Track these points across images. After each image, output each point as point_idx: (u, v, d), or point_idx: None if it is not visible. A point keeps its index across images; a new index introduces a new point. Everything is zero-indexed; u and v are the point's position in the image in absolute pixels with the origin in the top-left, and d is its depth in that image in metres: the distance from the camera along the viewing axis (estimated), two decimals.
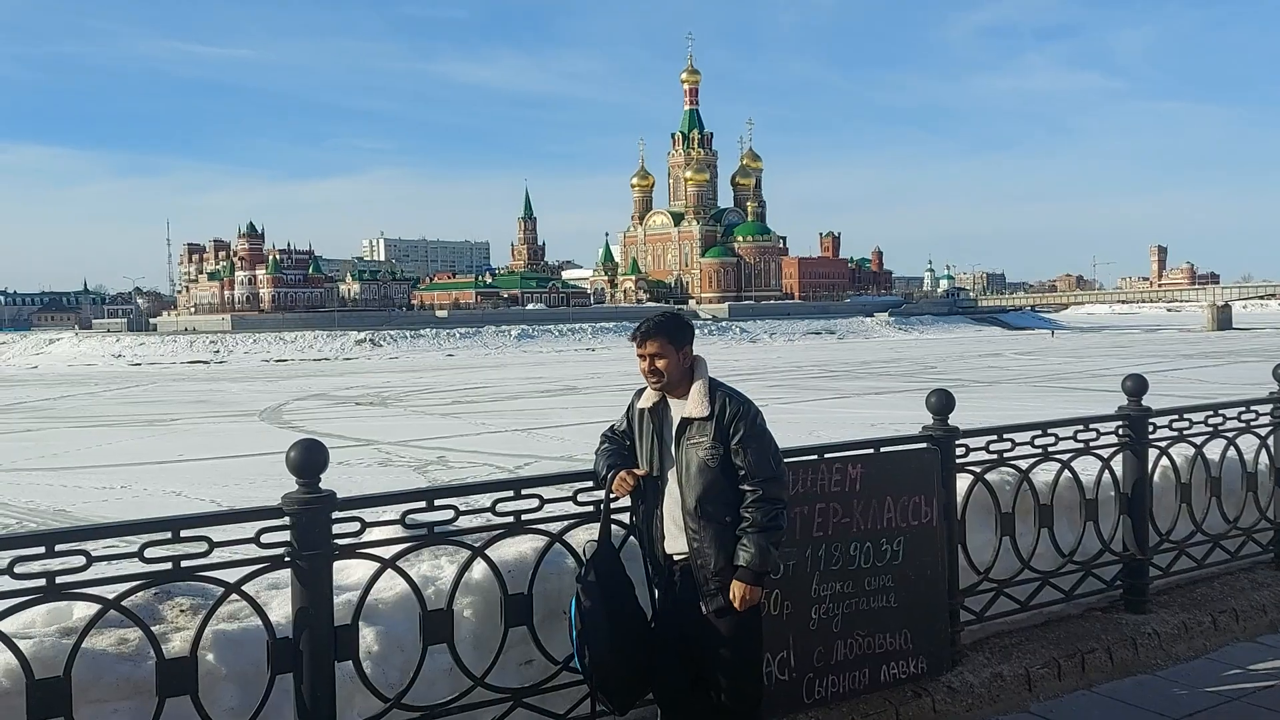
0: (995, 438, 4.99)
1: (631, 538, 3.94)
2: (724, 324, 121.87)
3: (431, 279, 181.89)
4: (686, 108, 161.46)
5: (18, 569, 2.91)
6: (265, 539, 3.28)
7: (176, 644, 3.35)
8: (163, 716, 3.20)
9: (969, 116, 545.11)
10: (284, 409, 39.71)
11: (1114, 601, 5.55)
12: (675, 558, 3.68)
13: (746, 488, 3.56)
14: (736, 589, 3.53)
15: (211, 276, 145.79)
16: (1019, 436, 5.11)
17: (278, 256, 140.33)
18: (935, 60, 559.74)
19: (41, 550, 2.96)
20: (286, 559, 3.32)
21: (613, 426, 3.95)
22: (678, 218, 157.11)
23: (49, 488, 20.32)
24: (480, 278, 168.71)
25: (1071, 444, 5.28)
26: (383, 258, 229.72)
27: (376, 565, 3.62)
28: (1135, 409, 5.46)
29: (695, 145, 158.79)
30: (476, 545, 3.71)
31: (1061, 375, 49.99)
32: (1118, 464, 5.45)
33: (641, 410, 3.78)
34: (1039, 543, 5.15)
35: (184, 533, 3.21)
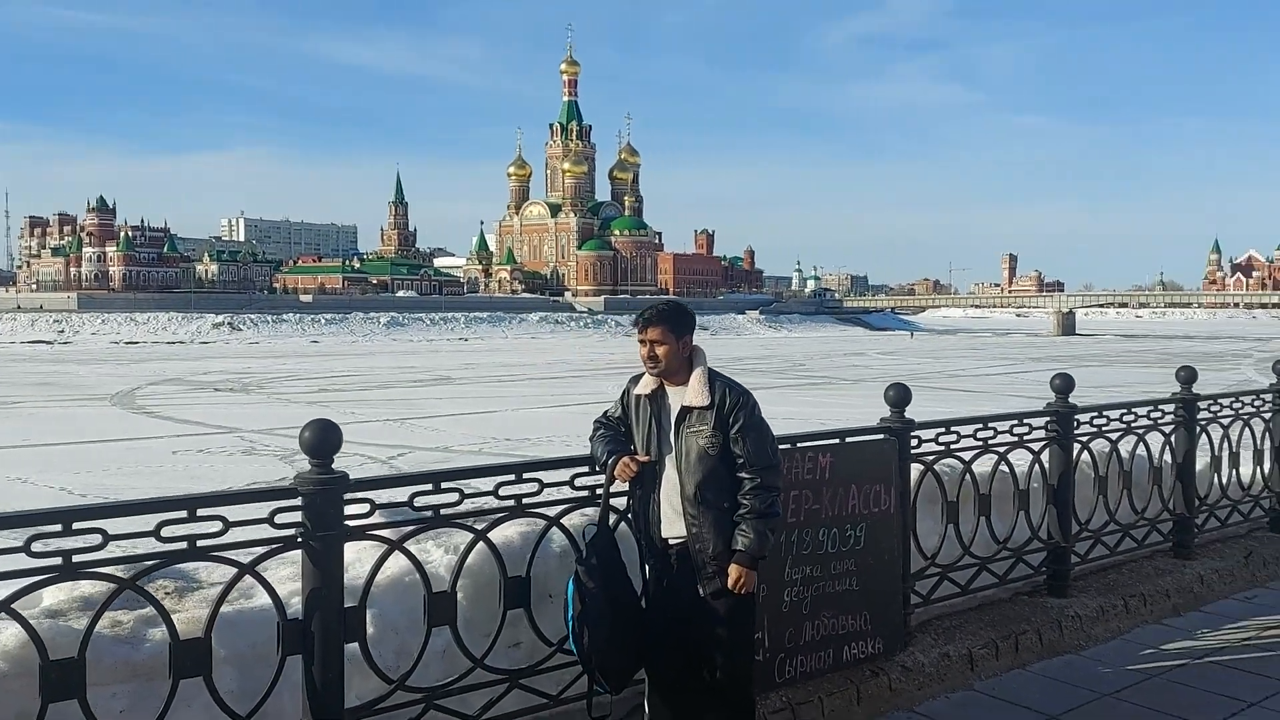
0: (944, 430, 5.26)
1: (623, 522, 4.01)
2: (599, 317, 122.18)
3: (296, 262, 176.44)
4: (566, 99, 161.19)
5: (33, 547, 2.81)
6: (279, 519, 3.23)
7: (175, 626, 3.27)
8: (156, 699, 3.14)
9: (842, 123, 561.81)
10: (137, 393, 37.93)
11: (1037, 586, 5.91)
12: (671, 542, 3.77)
13: (745, 475, 3.67)
14: (734, 572, 3.65)
15: (56, 252, 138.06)
16: (963, 429, 5.39)
17: (130, 233, 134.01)
18: (813, 67, 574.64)
19: (59, 528, 2.86)
20: (299, 539, 3.28)
21: (606, 413, 4.02)
22: (555, 209, 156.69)
23: None
24: (348, 262, 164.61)
25: (1008, 438, 5.60)
26: (243, 238, 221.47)
27: (373, 547, 3.61)
28: (1063, 406, 5.83)
29: (574, 137, 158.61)
30: (479, 528, 3.72)
31: (922, 375, 51.90)
32: (1045, 457, 5.80)
33: (639, 396, 3.86)
34: (978, 530, 5.45)
35: (172, 514, 3.14)
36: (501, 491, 3.78)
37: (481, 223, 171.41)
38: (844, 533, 4.68)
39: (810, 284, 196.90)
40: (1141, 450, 6.45)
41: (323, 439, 3.31)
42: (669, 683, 3.81)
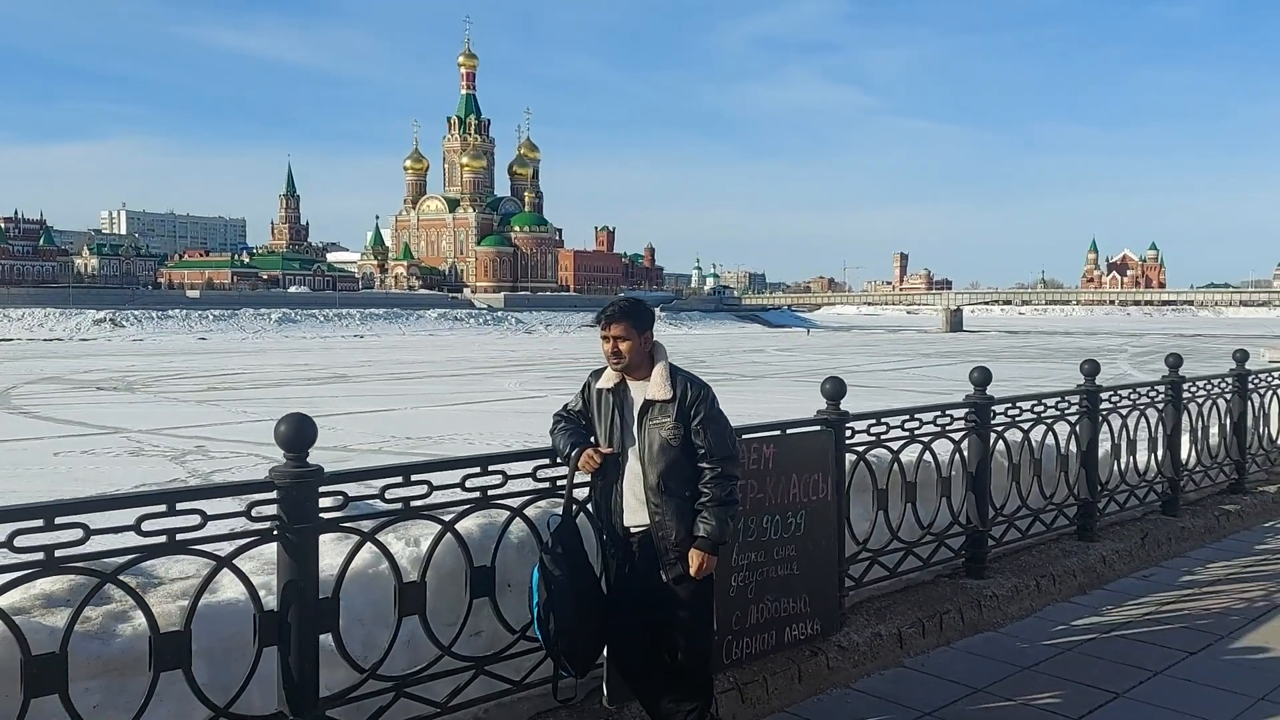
0: (874, 421, 5.52)
1: (582, 512, 4.13)
2: (499, 314, 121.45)
3: (181, 256, 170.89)
4: (464, 92, 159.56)
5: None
6: (255, 512, 3.27)
7: (141, 621, 3.27)
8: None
9: (740, 123, 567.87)
10: (13, 393, 36.35)
11: (957, 569, 6.23)
12: (633, 530, 3.91)
13: (705, 465, 3.84)
14: (695, 557, 3.81)
15: None
16: (892, 420, 5.66)
17: (2, 226, 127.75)
18: (710, 67, 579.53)
19: (40, 523, 2.85)
20: (275, 532, 3.31)
21: (566, 406, 4.13)
22: (453, 204, 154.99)
23: None
24: (237, 256, 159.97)
25: (931, 428, 5.90)
26: (124, 231, 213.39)
27: (335, 539, 3.67)
28: (981, 397, 6.16)
29: (472, 131, 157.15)
30: (446, 519, 3.81)
31: (820, 372, 52.81)
32: (965, 446, 6.12)
33: (600, 390, 3.98)
34: (905, 516, 5.73)
35: (153, 507, 3.15)
36: (468, 484, 3.86)
37: (377, 217, 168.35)
38: (785, 520, 4.88)
39: (709, 281, 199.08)
40: (1050, 440, 6.84)
41: (298, 433, 3.35)
42: (630, 665, 3.95)
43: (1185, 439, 8.23)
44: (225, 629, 3.47)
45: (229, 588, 3.55)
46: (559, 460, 4.07)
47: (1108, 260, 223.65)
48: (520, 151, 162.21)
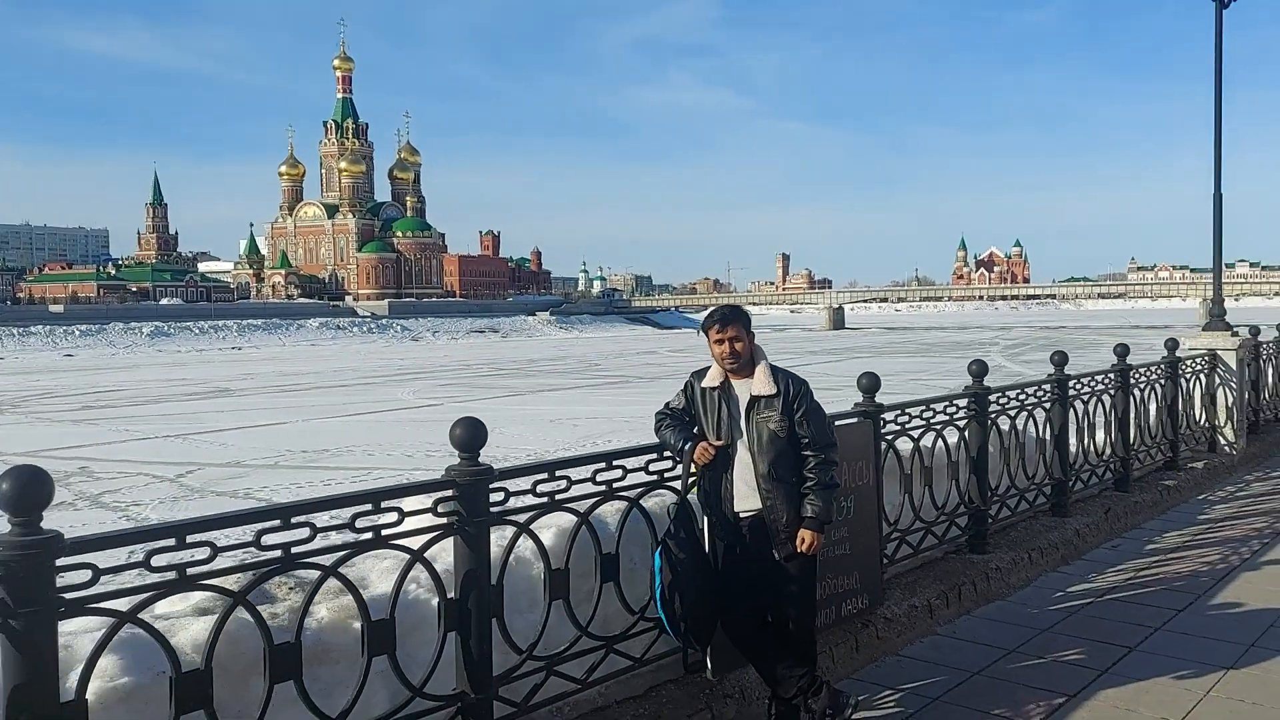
0: (900, 412, 6.04)
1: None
2: (384, 322, 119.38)
3: (42, 269, 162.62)
4: (340, 96, 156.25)
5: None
6: (441, 508, 3.55)
7: (324, 613, 3.50)
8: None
9: (622, 125, 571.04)
10: None
11: (960, 546, 6.80)
12: (743, 514, 4.30)
13: (809, 453, 4.26)
14: (806, 537, 4.23)
15: None
16: (913, 410, 6.20)
17: None
18: (590, 69, 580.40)
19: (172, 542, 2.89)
20: (456, 526, 3.60)
21: (668, 404, 4.50)
22: (332, 210, 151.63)
23: None
24: (102, 268, 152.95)
25: (942, 417, 6.46)
26: None
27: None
28: (980, 388, 6.75)
29: (350, 135, 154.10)
30: (581, 511, 4.14)
31: None
32: (968, 433, 6.70)
33: (706, 389, 4.37)
34: (924, 499, 6.27)
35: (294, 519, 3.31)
36: (598, 478, 4.20)
37: (251, 225, 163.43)
38: (840, 505, 5.34)
39: (597, 285, 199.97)
40: (1031, 425, 7.51)
41: (473, 435, 3.64)
42: (747, 637, 4.34)
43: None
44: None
45: (378, 582, 3.80)
46: (671, 454, 4.44)
47: (976, 257, 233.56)
48: (401, 156, 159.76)
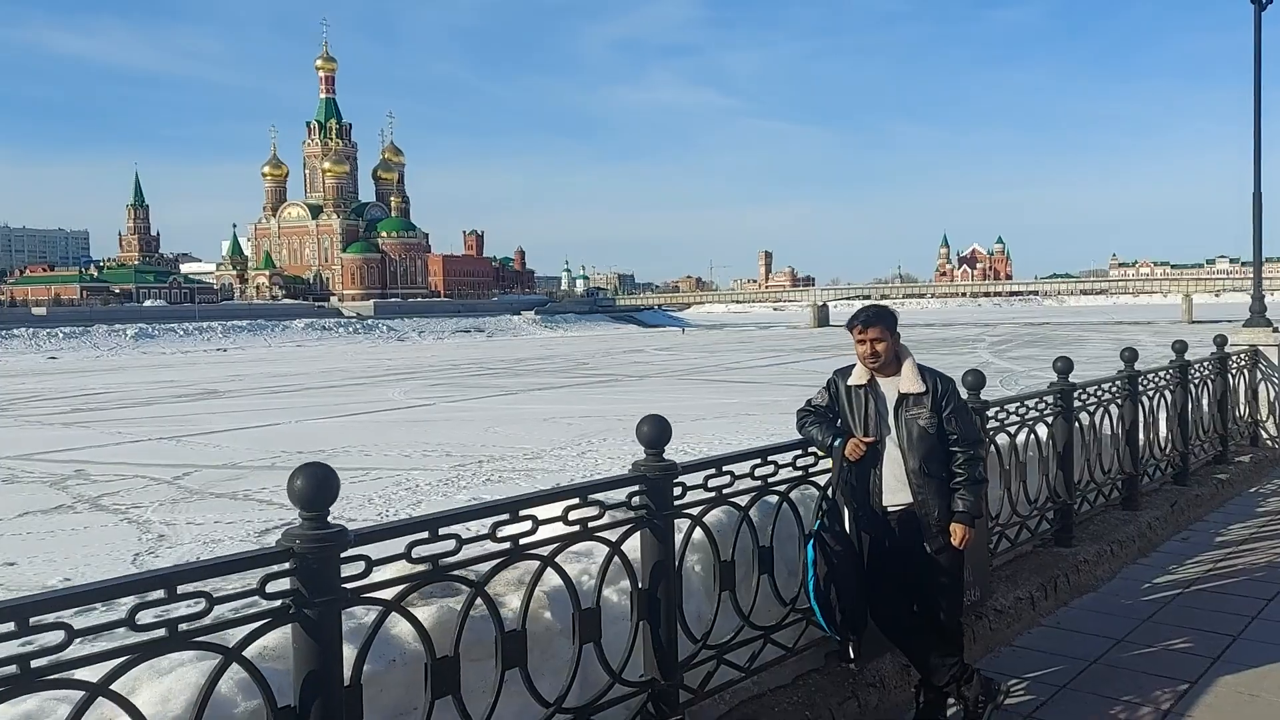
0: (999, 408, 6.17)
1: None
2: (370, 322, 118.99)
3: (23, 271, 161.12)
4: (323, 96, 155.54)
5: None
6: (635, 502, 3.66)
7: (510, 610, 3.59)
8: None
9: (605, 125, 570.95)
10: None
11: (1046, 539, 6.93)
12: (891, 509, 4.41)
13: (957, 450, 4.37)
14: (959, 530, 4.34)
15: None
16: (1010, 406, 6.33)
17: None
18: (573, 69, 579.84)
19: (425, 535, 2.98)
20: (644, 520, 3.70)
21: (810, 402, 4.61)
22: (316, 210, 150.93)
23: None
24: (84, 270, 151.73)
25: (1034, 413, 6.59)
26: None
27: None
28: (1065, 384, 6.90)
29: (333, 135, 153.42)
30: (742, 505, 4.25)
31: (702, 369, 54.45)
32: (1055, 428, 6.84)
33: (851, 387, 4.48)
34: (1019, 493, 6.40)
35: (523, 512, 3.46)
36: (757, 473, 4.31)
37: (234, 226, 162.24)
38: None
39: (580, 284, 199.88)
40: (1106, 422, 7.66)
41: (660, 432, 3.76)
42: (899, 627, 4.46)
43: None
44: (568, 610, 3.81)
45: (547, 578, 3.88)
46: (819, 451, 4.54)
47: (958, 254, 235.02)
48: (384, 156, 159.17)
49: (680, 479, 3.89)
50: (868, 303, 4.80)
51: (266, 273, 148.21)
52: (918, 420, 4.35)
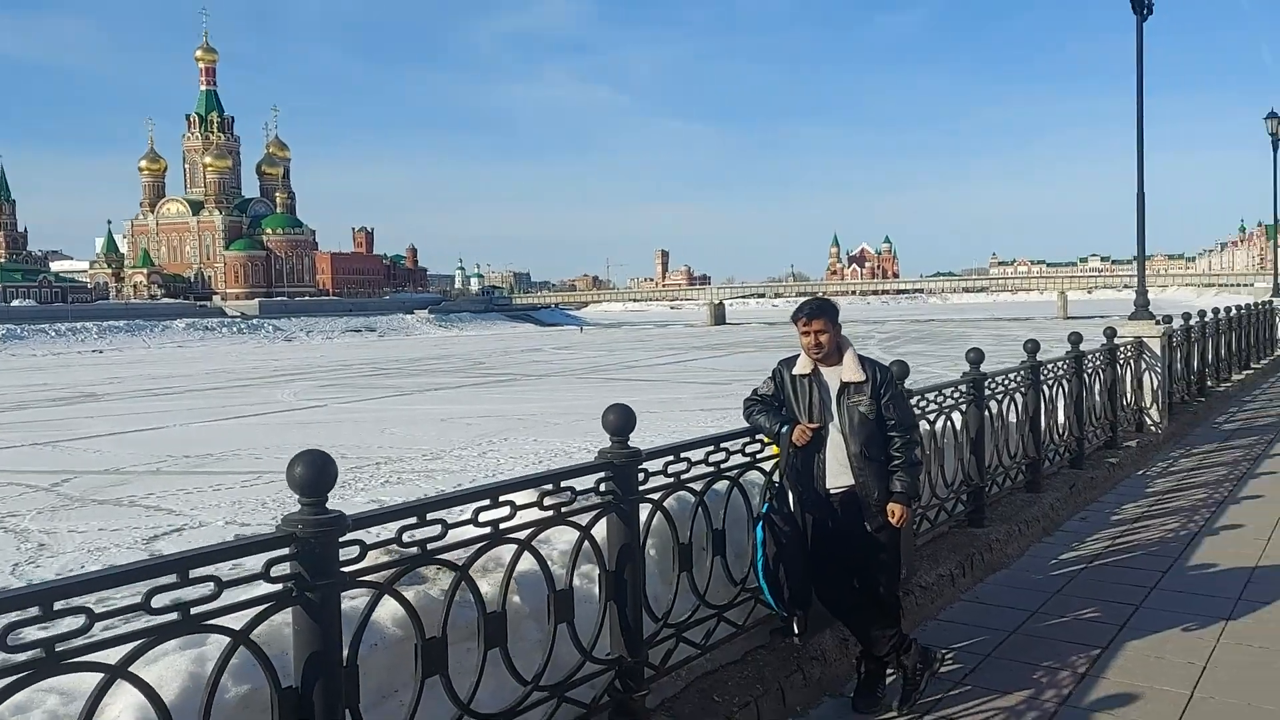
0: (919, 397, 6.48)
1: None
2: (255, 322, 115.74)
3: None
4: (204, 88, 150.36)
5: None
6: (603, 487, 3.78)
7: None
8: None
9: (498, 121, 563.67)
10: None
11: (960, 521, 7.29)
12: (834, 491, 4.63)
13: (895, 434, 4.62)
14: (897, 510, 4.58)
15: None
16: (930, 395, 6.66)
17: None
18: (465, 64, 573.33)
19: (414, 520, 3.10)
20: (612, 504, 3.84)
21: (756, 391, 4.80)
22: (197, 206, 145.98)
23: None
24: None
25: (949, 401, 6.93)
26: None
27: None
28: (977, 374, 7.27)
29: (215, 129, 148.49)
30: (698, 489, 4.41)
31: (601, 368, 54.76)
32: (969, 414, 7.21)
33: (796, 376, 4.69)
34: (938, 477, 6.73)
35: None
36: (710, 459, 4.48)
37: (109, 222, 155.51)
38: None
39: (475, 282, 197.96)
40: (1012, 409, 8.09)
41: (626, 420, 3.89)
42: (842, 603, 4.69)
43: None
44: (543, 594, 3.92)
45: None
46: (766, 437, 4.74)
47: (849, 254, 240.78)
48: (269, 150, 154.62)
49: (643, 465, 4.03)
50: (811, 296, 5.01)
51: (145, 271, 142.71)
52: (859, 407, 4.58)
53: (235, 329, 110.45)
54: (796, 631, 4.88)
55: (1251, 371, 18.56)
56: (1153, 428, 11.57)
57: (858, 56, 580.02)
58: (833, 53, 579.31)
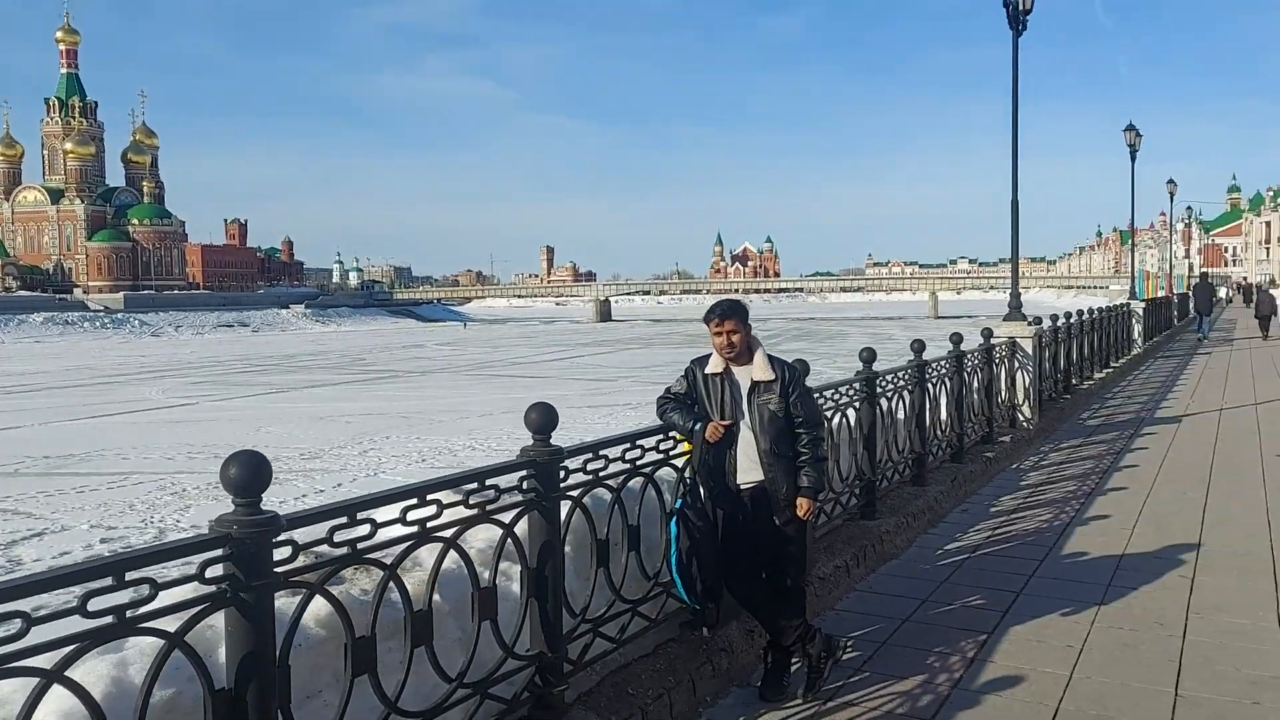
0: (818, 394, 6.68)
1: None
2: (120, 316, 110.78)
3: None
4: (64, 71, 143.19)
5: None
6: (525, 485, 3.83)
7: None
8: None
9: (377, 113, 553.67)
10: None
11: (852, 514, 7.56)
12: (744, 486, 4.79)
13: (802, 431, 4.81)
14: (804, 504, 4.76)
15: None
16: (828, 392, 6.90)
17: None
18: (343, 54, 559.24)
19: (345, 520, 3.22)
20: (535, 502, 3.89)
21: (669, 389, 4.93)
22: (56, 195, 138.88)
23: None
24: None
25: (844, 398, 7.19)
26: None
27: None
28: (870, 373, 7.55)
29: (77, 114, 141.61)
30: (614, 486, 4.50)
31: (486, 364, 54.32)
32: (862, 411, 7.49)
33: (709, 375, 4.83)
34: (833, 473, 6.97)
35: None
36: (626, 456, 4.57)
37: None
38: None
39: (354, 276, 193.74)
40: (901, 404, 8.42)
41: (548, 419, 3.94)
42: (751, 594, 4.84)
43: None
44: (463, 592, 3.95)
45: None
46: (679, 434, 4.86)
47: (732, 252, 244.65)
48: (135, 138, 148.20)
49: (564, 463, 4.10)
50: (723, 298, 5.15)
51: None
52: (768, 405, 4.75)
53: (99, 323, 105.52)
54: (708, 624, 5.03)
55: (1111, 370, 19.68)
56: (1025, 423, 12.17)
57: (740, 58, 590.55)
58: (716, 54, 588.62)
